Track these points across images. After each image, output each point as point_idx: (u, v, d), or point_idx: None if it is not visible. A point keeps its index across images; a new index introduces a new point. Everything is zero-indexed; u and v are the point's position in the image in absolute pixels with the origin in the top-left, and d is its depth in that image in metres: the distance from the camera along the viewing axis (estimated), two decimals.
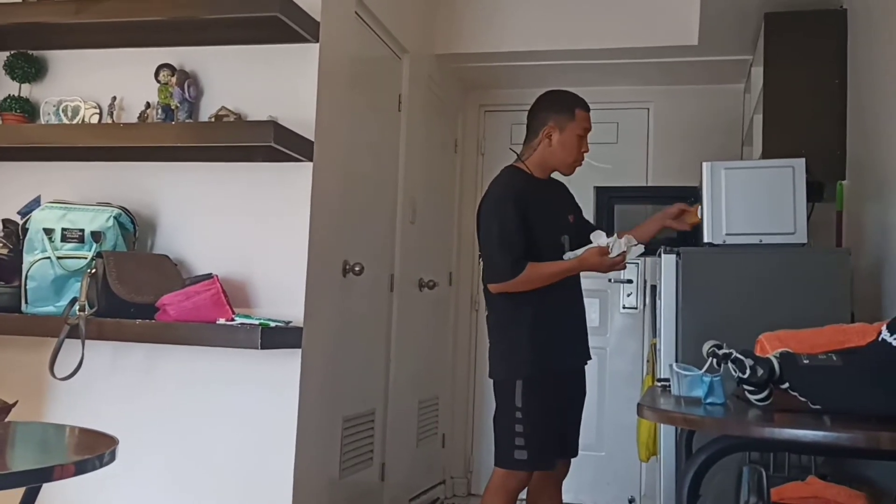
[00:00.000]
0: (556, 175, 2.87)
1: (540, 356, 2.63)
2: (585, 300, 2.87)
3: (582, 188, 4.47)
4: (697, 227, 2.69)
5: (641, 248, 2.66)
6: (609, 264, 2.63)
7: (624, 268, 2.70)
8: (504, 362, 2.66)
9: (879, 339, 1.57)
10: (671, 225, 2.83)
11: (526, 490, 2.76)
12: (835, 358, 1.59)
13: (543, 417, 2.61)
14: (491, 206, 2.65)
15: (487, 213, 2.65)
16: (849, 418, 1.41)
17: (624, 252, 2.61)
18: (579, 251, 2.67)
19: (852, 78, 3.21)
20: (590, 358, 2.86)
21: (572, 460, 2.86)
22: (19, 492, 1.57)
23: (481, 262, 2.73)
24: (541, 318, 2.64)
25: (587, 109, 2.77)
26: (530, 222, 2.64)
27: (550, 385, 2.64)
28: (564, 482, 2.89)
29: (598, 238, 2.64)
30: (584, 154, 2.78)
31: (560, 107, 2.75)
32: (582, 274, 2.78)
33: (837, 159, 3.22)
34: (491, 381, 2.73)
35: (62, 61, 2.99)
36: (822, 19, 3.36)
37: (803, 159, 2.61)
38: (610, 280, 4.47)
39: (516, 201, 2.63)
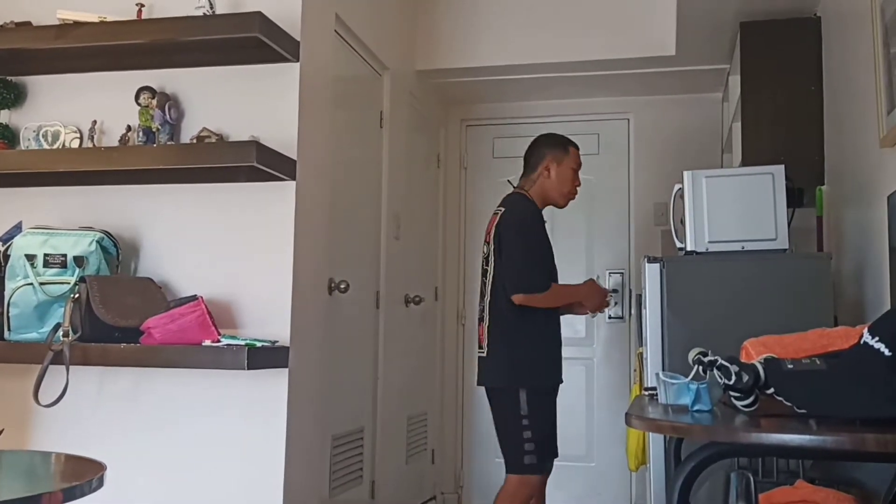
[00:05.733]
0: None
1: (544, 368, 2.89)
2: None
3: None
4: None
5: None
6: (602, 295, 3.02)
7: (600, 310, 3.08)
8: (510, 371, 2.83)
9: (861, 342, 1.58)
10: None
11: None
12: (818, 362, 1.60)
13: (547, 424, 2.87)
14: (522, 225, 2.90)
15: (518, 230, 2.89)
16: (834, 421, 1.42)
17: (608, 292, 3.05)
18: None
19: (828, 84, 3.25)
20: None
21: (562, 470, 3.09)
22: None
23: (491, 272, 2.91)
24: (546, 335, 2.91)
25: (578, 148, 3.10)
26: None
27: (550, 395, 2.91)
28: (556, 494, 2.97)
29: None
30: (577, 188, 3.09)
31: (556, 144, 3.07)
32: None
33: (816, 165, 3.25)
34: (482, 389, 2.93)
35: (41, 86, 2.98)
36: (797, 27, 3.40)
37: (783, 166, 2.63)
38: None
39: (542, 226, 2.96)
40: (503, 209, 2.96)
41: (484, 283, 2.95)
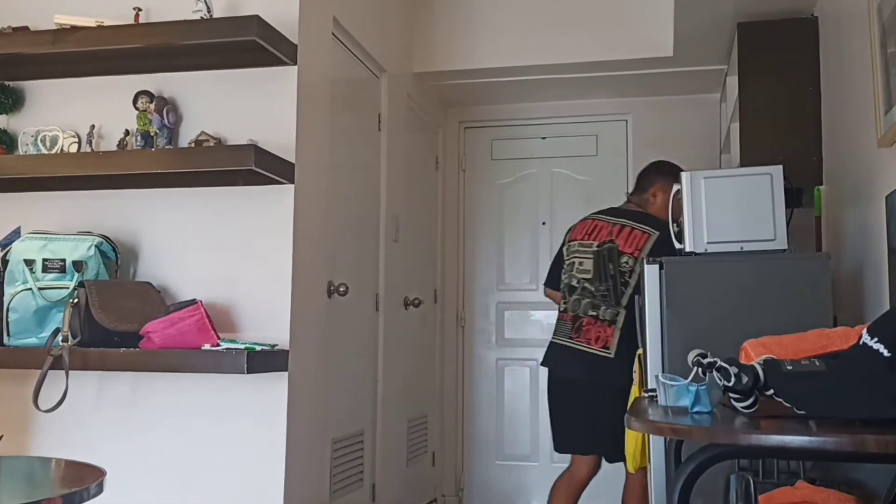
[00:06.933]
0: None
1: None
2: None
3: (561, 202, 4.59)
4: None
5: None
6: None
7: None
8: (631, 372, 2.96)
9: (860, 343, 1.58)
10: None
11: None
12: (818, 363, 1.60)
13: None
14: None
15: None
16: (834, 422, 1.42)
17: None
18: None
19: (825, 84, 3.25)
20: None
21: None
22: None
23: (633, 283, 3.07)
24: None
25: None
26: None
27: None
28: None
29: None
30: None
31: (666, 173, 3.21)
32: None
33: (814, 165, 3.25)
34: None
35: (39, 91, 2.98)
36: (795, 27, 3.39)
37: (781, 166, 2.63)
38: None
39: None
40: (657, 232, 3.09)
41: (621, 292, 3.10)
